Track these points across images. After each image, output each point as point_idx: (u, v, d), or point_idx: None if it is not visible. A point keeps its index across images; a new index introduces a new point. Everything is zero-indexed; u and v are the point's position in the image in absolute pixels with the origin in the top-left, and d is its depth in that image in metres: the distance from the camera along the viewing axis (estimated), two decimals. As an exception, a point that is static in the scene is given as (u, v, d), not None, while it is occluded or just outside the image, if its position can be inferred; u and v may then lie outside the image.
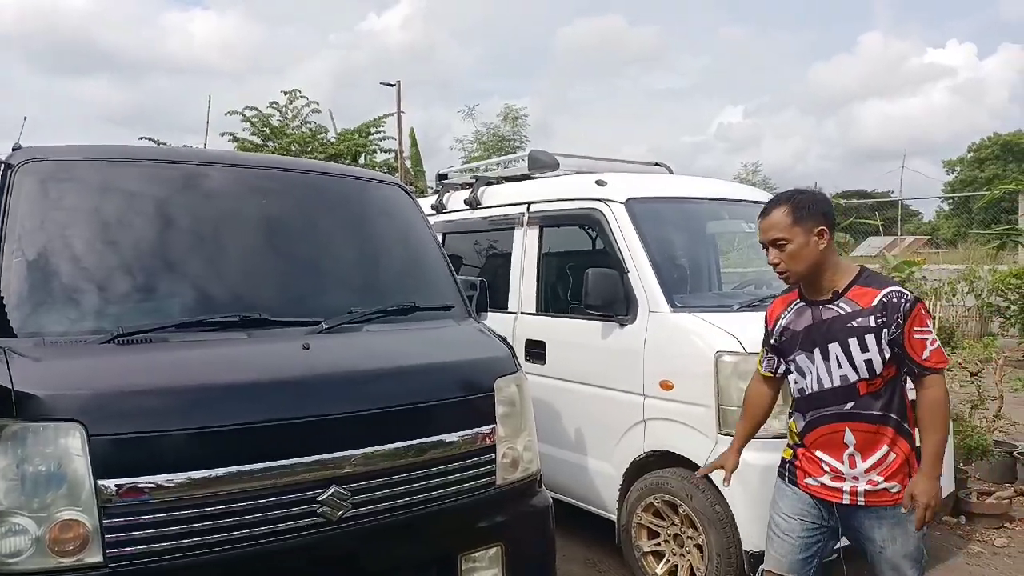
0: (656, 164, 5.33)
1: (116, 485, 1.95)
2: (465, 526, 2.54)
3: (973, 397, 5.36)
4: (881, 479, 2.32)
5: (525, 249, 4.47)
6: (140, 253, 2.54)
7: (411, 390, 2.47)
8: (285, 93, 15.19)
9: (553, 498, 2.90)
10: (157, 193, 2.68)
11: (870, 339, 2.26)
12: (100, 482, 1.94)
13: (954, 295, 11.73)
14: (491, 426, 2.60)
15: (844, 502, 2.37)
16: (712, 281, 4.54)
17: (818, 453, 2.40)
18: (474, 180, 5.23)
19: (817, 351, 2.35)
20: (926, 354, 2.24)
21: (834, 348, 2.31)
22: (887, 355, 2.26)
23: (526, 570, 2.66)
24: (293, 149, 14.58)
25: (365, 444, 2.28)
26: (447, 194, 5.40)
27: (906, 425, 2.33)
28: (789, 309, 2.47)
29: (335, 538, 2.22)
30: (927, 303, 10.68)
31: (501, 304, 4.47)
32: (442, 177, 5.80)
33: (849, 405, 2.32)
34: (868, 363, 2.27)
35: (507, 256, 4.64)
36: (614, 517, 3.81)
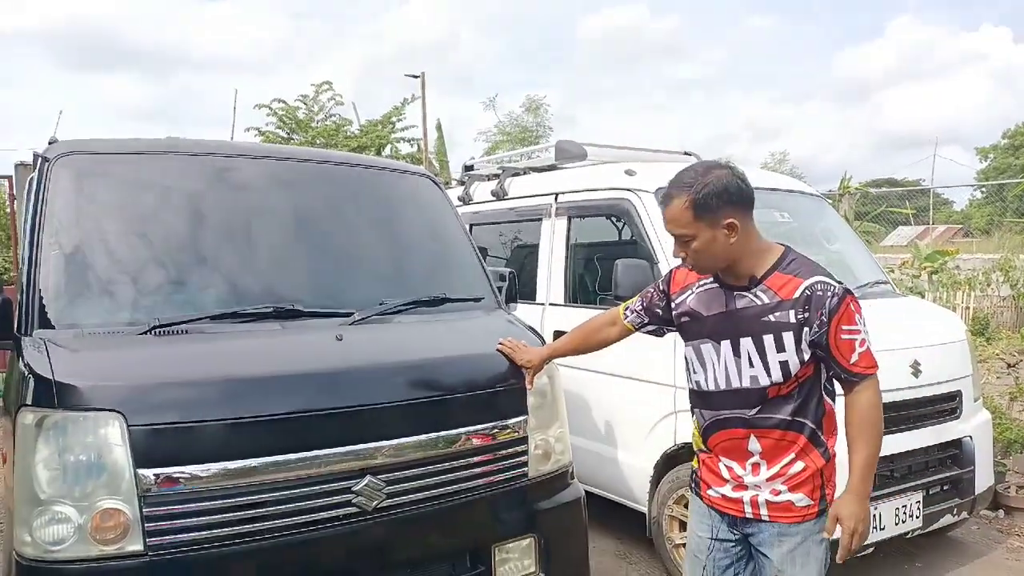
0: (685, 153, 5.27)
1: (155, 474, 1.97)
2: (498, 517, 2.53)
3: (1011, 388, 5.25)
4: (784, 488, 1.99)
5: (553, 240, 4.45)
6: (175, 245, 2.57)
7: (443, 381, 2.47)
8: (314, 85, 15.26)
9: (584, 490, 2.88)
10: (191, 185, 2.71)
11: (788, 337, 1.89)
12: (140, 471, 1.96)
13: (988, 285, 11.49)
14: (523, 417, 2.59)
15: (747, 515, 2.04)
16: (743, 271, 4.47)
17: (722, 459, 2.07)
18: (500, 171, 5.21)
19: (726, 344, 1.99)
20: (854, 358, 1.89)
21: (747, 344, 1.95)
22: (806, 356, 1.90)
23: (559, 561, 2.65)
24: (318, 142, 14.66)
25: (398, 435, 2.28)
26: (473, 185, 5.39)
27: (821, 435, 1.99)
28: (699, 286, 2.08)
29: (370, 528, 2.23)
30: (961, 293, 10.49)
31: (528, 295, 4.45)
32: (468, 168, 5.79)
33: (755, 410, 1.98)
34: (783, 365, 1.91)
35: (534, 247, 4.62)
36: (645, 509, 3.79)
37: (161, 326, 2.27)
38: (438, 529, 2.39)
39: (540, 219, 4.59)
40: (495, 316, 2.99)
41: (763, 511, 2.02)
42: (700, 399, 2.11)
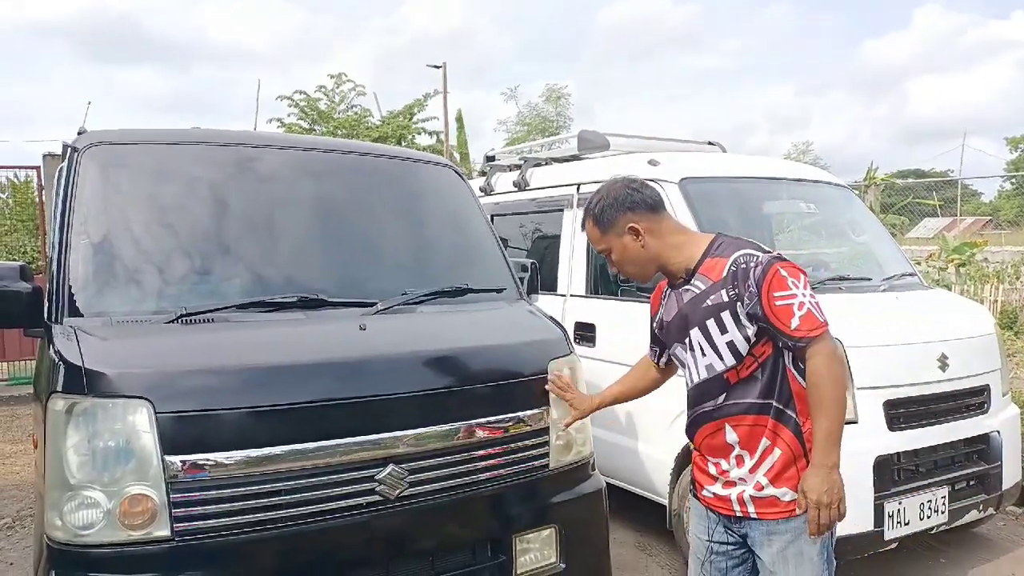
0: (709, 143, 5.22)
1: (182, 461, 2.00)
2: (519, 507, 2.54)
3: (1041, 383, 5.16)
4: (767, 481, 1.95)
5: (575, 231, 4.44)
6: (201, 235, 2.60)
7: (465, 371, 2.47)
8: (332, 77, 15.35)
9: (605, 482, 2.87)
10: (217, 176, 2.73)
11: (726, 317, 1.92)
12: (167, 458, 1.98)
13: (1018, 278, 11.29)
14: (544, 408, 2.59)
15: (736, 513, 2.02)
16: (767, 263, 4.43)
17: (708, 457, 2.08)
18: (522, 161, 5.20)
19: (686, 340, 2.04)
20: (794, 323, 1.84)
21: (695, 334, 2.00)
22: (749, 332, 1.90)
23: (579, 552, 2.65)
24: (339, 133, 14.73)
25: (421, 424, 2.29)
26: (495, 176, 5.38)
27: (790, 413, 1.94)
28: (664, 297, 2.17)
29: (392, 516, 2.25)
30: (990, 286, 10.30)
31: (550, 286, 4.45)
32: (490, 159, 5.78)
33: (722, 398, 1.99)
34: (730, 345, 1.93)
35: (556, 238, 4.61)
36: (665, 501, 3.78)
37: (188, 315, 2.29)
38: (460, 518, 2.41)
39: (562, 210, 4.57)
40: (517, 307, 2.99)
41: (750, 508, 1.99)
42: (687, 400, 2.13)
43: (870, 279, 4.01)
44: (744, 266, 1.90)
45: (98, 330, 2.20)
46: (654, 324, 2.24)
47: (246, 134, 3.08)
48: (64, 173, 2.58)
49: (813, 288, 3.65)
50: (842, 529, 3.13)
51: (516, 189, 5.02)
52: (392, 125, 15.46)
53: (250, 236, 2.67)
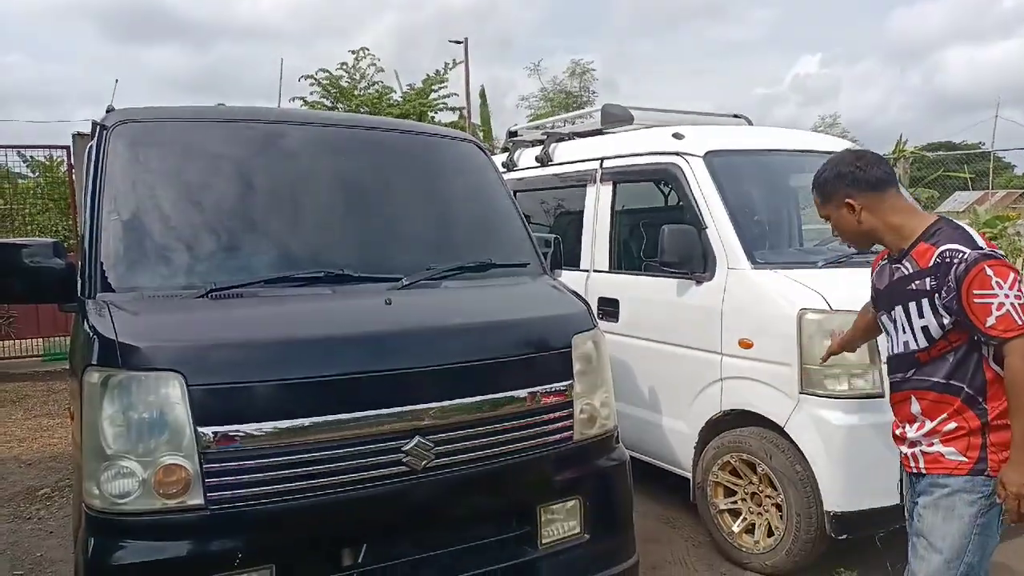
0: (735, 116, 5.15)
1: (214, 432, 2.04)
2: (544, 479, 2.56)
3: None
4: (937, 441, 2.10)
5: (598, 206, 4.42)
6: (229, 211, 2.63)
7: (490, 345, 2.49)
8: (352, 52, 15.30)
9: (630, 455, 2.89)
10: (243, 152, 2.76)
11: (925, 304, 2.04)
12: (199, 429, 2.03)
13: (1051, 252, 11.02)
14: (568, 382, 2.60)
15: (913, 469, 2.20)
16: (794, 237, 4.39)
17: (897, 420, 2.25)
18: (545, 136, 5.17)
19: (889, 313, 2.20)
20: (990, 321, 1.92)
21: (898, 312, 2.14)
22: (945, 321, 2.01)
23: (603, 523, 2.67)
24: (362, 111, 14.73)
25: (447, 397, 2.32)
26: (518, 151, 5.36)
27: (982, 401, 2.03)
28: (881, 264, 2.29)
29: (419, 487, 2.28)
30: (1022, 259, 10.08)
31: (573, 262, 4.44)
32: (513, 134, 5.76)
33: (911, 372, 2.14)
34: (924, 330, 2.06)
35: (579, 213, 4.59)
36: (689, 475, 3.80)
37: (217, 290, 2.33)
38: (485, 490, 2.43)
39: (585, 185, 4.55)
40: (540, 282, 2.99)
41: (920, 463, 2.16)
42: (887, 365, 2.29)
43: (898, 253, 3.95)
44: (948, 260, 1.99)
45: (130, 305, 2.25)
46: (870, 284, 2.38)
47: (271, 111, 3.11)
48: (93, 151, 2.62)
49: (839, 262, 3.62)
50: (869, 502, 3.15)
51: (539, 164, 5.00)
52: (413, 103, 15.41)
53: (276, 212, 2.70)
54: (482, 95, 19.13)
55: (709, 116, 5.14)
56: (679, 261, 3.63)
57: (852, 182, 2.16)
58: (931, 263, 2.02)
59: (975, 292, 1.94)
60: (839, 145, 4.59)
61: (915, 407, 2.15)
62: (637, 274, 4.20)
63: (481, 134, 17.28)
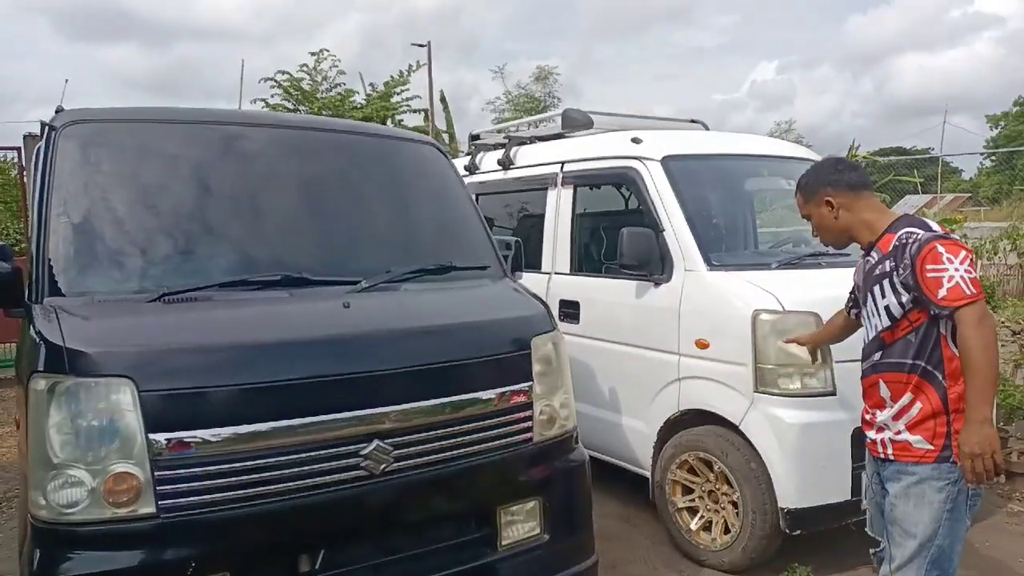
0: (692, 121, 5.23)
1: (166, 439, 2.00)
2: (503, 481, 2.57)
3: (1016, 356, 5.26)
4: (904, 428, 2.22)
5: (559, 209, 4.45)
6: (183, 214, 2.58)
7: (449, 348, 2.48)
8: (313, 54, 15.14)
9: (588, 455, 2.91)
10: (198, 154, 2.71)
11: (886, 284, 2.21)
12: (151, 436, 1.99)
13: (996, 253, 11.41)
14: (528, 384, 2.61)
15: (880, 455, 2.33)
16: (749, 239, 4.48)
17: (867, 405, 2.39)
18: (507, 140, 5.19)
19: (866, 303, 2.35)
20: (942, 292, 2.06)
21: (869, 299, 2.30)
22: (903, 299, 2.17)
23: (563, 523, 2.69)
24: (324, 114, 14.58)
25: (405, 400, 2.31)
26: (480, 154, 5.37)
27: (938, 375, 2.17)
28: (859, 262, 2.47)
29: (378, 491, 2.27)
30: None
31: (534, 264, 4.47)
32: (474, 138, 5.76)
33: (878, 355, 2.30)
34: (887, 310, 2.23)
35: (540, 216, 4.62)
36: (648, 474, 3.84)
37: (170, 293, 2.28)
38: (445, 492, 2.43)
39: (546, 188, 4.58)
40: (501, 284, 3.00)
41: (889, 450, 2.28)
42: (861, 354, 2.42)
43: (849, 255, 4.06)
44: (904, 241, 2.16)
45: (79, 309, 2.19)
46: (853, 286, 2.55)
47: (228, 112, 3.07)
48: (42, 152, 2.55)
49: (792, 264, 3.72)
50: (822, 498, 3.23)
51: (501, 168, 5.02)
52: (375, 106, 15.31)
53: (232, 215, 2.66)
54: (443, 99, 19.04)
55: (667, 121, 5.21)
56: (638, 263, 3.68)
57: (831, 183, 2.38)
58: (891, 247, 2.20)
59: (928, 267, 2.09)
60: (793, 150, 4.70)
61: (884, 390, 2.28)
62: (597, 276, 4.24)
63: (445, 138, 17.21)
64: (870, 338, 2.34)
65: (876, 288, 2.25)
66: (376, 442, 2.25)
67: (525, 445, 2.61)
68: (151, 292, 2.29)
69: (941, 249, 2.10)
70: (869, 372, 2.35)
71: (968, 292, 2.05)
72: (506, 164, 4.96)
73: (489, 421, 2.50)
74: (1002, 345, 5.47)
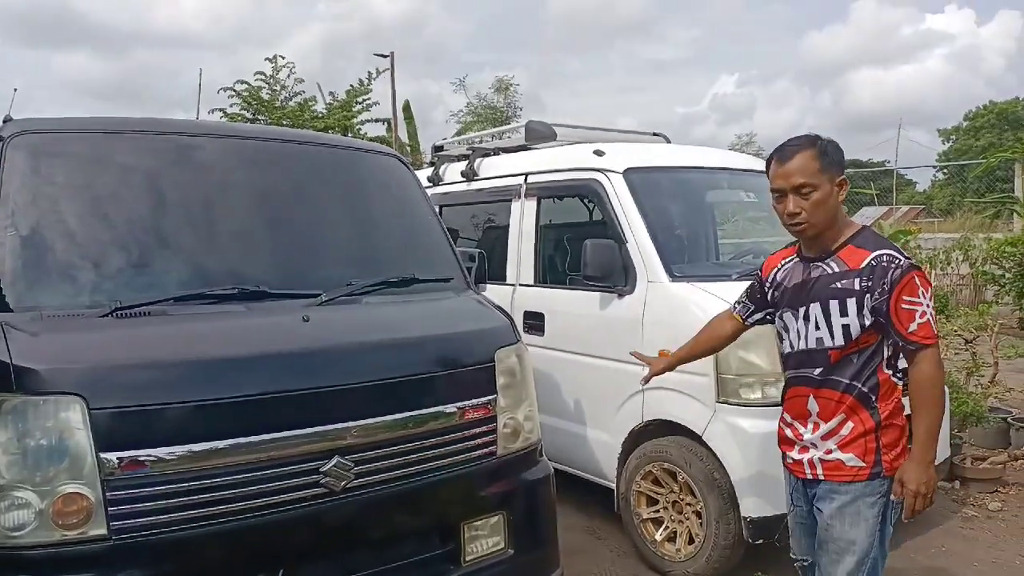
0: (654, 134, 5.29)
1: (118, 458, 1.94)
2: (467, 495, 2.55)
3: (968, 364, 5.40)
4: (835, 447, 2.18)
5: (523, 221, 4.45)
6: (137, 226, 2.52)
7: (411, 361, 2.46)
8: (268, 60, 14.93)
9: (553, 468, 2.91)
10: (153, 165, 2.65)
11: (851, 303, 2.10)
12: (102, 455, 1.93)
13: (949, 264, 11.75)
14: (491, 397, 2.60)
15: (808, 476, 2.26)
16: (710, 251, 4.54)
17: (787, 417, 2.31)
18: (471, 151, 5.19)
19: (801, 310, 2.22)
20: (912, 327, 2.04)
21: (814, 308, 2.18)
22: (867, 322, 2.09)
23: (528, 537, 2.67)
24: (284, 123, 14.41)
25: (367, 415, 2.28)
26: (443, 166, 5.36)
27: (874, 400, 2.15)
28: (786, 263, 2.34)
29: (339, 508, 2.23)
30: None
31: (499, 276, 4.46)
32: (438, 149, 5.75)
33: (817, 371, 2.19)
34: (845, 328, 2.12)
35: (504, 228, 4.62)
36: (613, 485, 3.85)
37: (123, 308, 2.22)
38: (407, 508, 2.40)
39: (510, 200, 4.58)
40: (464, 297, 2.98)
41: (819, 470, 2.22)
42: (783, 362, 2.36)
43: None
44: (885, 265, 2.06)
45: (27, 325, 2.12)
46: (766, 284, 2.39)
47: (184, 122, 3.01)
48: (-11, 163, 2.47)
49: (752, 275, 3.79)
50: (784, 507, 3.24)
51: (464, 179, 5.01)
52: (337, 116, 15.18)
53: (188, 227, 2.60)
54: (406, 109, 18.95)
55: (630, 134, 5.27)
56: (601, 275, 3.70)
57: (842, 162, 2.19)
58: (864, 264, 2.09)
59: (905, 298, 2.04)
60: (753, 163, 4.78)
61: (811, 404, 2.21)
62: (561, 288, 4.25)
63: (408, 149, 17.14)
64: (805, 348, 2.21)
65: (834, 302, 2.13)
66: (336, 458, 2.22)
67: (489, 459, 2.59)
68: (103, 307, 2.22)
69: (918, 282, 2.06)
70: (802, 383, 2.24)
71: (935, 331, 2.07)
72: (470, 176, 4.96)
73: (452, 435, 2.49)
74: (955, 353, 5.62)
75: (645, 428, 3.67)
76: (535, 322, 4.23)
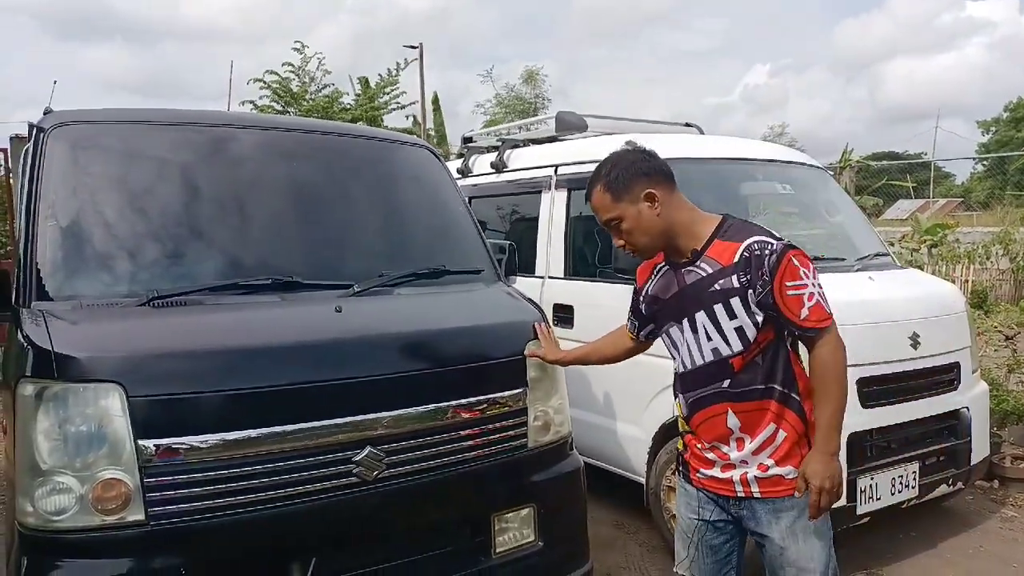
0: (687, 125, 5.22)
1: (155, 445, 1.97)
2: (498, 487, 2.54)
3: (1008, 361, 5.27)
4: (772, 463, 1.97)
5: (552, 213, 4.43)
6: (173, 217, 2.55)
7: (443, 353, 2.46)
8: (296, 49, 15.02)
9: (584, 461, 2.89)
10: (189, 157, 2.68)
11: (736, 303, 1.90)
12: (140, 442, 1.96)
13: (988, 258, 11.49)
14: (522, 389, 2.60)
15: (738, 494, 2.02)
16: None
17: (704, 440, 2.06)
18: (500, 143, 5.17)
19: (685, 322, 2.01)
20: (804, 312, 1.86)
21: (700, 317, 1.96)
22: (759, 319, 1.90)
23: (558, 530, 2.67)
24: (314, 115, 14.52)
25: (398, 406, 2.29)
26: (473, 157, 5.35)
27: (795, 396, 1.97)
28: (656, 273, 2.12)
29: (370, 498, 2.24)
30: (960, 266, 10.47)
31: (528, 268, 4.44)
32: (468, 140, 5.74)
33: (726, 383, 1.97)
34: (739, 331, 1.92)
35: (534, 220, 4.60)
36: (643, 480, 3.82)
37: (159, 297, 2.26)
38: (438, 499, 2.41)
39: (540, 191, 4.56)
40: (495, 288, 2.98)
41: (754, 488, 2.00)
42: (679, 382, 2.11)
43: (844, 259, 4.05)
44: (758, 253, 1.88)
45: (68, 314, 2.16)
46: (641, 299, 2.20)
47: (218, 114, 3.04)
48: (30, 154, 2.53)
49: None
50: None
51: (494, 171, 5.00)
52: (364, 107, 15.26)
53: (223, 218, 2.64)
54: (435, 101, 18.99)
55: (662, 124, 5.21)
56: (632, 267, 3.66)
57: (648, 171, 1.98)
58: (736, 259, 1.90)
59: (787, 284, 1.87)
60: (790, 155, 4.69)
61: (732, 420, 1.98)
62: (592, 280, 4.22)
63: (435, 140, 17.17)
64: (705, 362, 1.99)
65: (719, 307, 1.93)
66: (368, 448, 2.23)
67: (520, 451, 2.59)
68: (140, 296, 2.26)
69: (796, 263, 1.87)
70: (711, 401, 2.00)
71: (828, 311, 1.89)
72: (499, 167, 4.94)
73: (483, 427, 2.48)
74: (995, 350, 5.49)
75: (676, 422, 3.63)
76: (565, 315, 4.21)
